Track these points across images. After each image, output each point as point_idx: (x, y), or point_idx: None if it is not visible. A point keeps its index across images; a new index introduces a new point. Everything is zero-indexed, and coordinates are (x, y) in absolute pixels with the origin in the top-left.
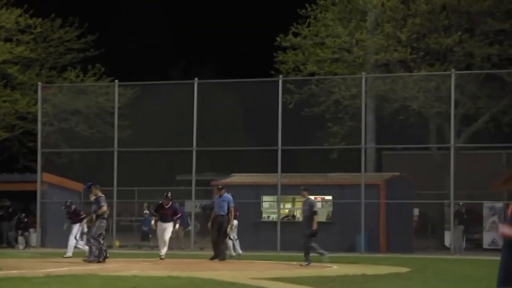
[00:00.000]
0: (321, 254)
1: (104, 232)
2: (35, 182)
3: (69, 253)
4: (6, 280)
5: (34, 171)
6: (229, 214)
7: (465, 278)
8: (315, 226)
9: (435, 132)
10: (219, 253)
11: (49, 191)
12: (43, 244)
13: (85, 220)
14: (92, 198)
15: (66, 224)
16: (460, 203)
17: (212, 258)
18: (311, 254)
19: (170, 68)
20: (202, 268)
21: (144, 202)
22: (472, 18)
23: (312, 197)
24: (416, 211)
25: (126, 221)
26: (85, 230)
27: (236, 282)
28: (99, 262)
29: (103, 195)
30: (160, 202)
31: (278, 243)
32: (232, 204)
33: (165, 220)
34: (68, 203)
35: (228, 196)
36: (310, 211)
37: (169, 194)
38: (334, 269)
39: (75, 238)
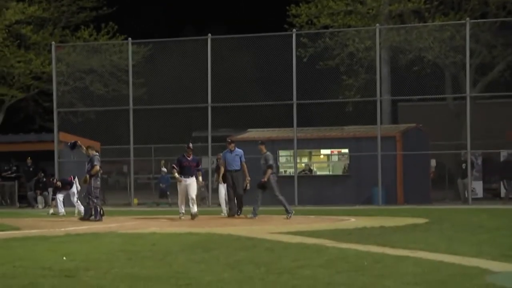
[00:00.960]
0: (254, 210)
1: (98, 191)
2: (52, 141)
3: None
4: (26, 239)
5: (50, 130)
6: (243, 169)
7: (483, 228)
8: (265, 178)
9: (451, 82)
10: (235, 208)
11: (66, 150)
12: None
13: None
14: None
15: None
16: (462, 154)
17: (230, 215)
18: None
19: (183, 25)
20: (220, 224)
21: (161, 159)
22: None
23: (268, 152)
24: (433, 162)
25: (143, 179)
26: (79, 189)
27: (254, 237)
28: (96, 220)
29: (97, 154)
30: (182, 154)
31: (296, 197)
32: (243, 159)
33: (188, 173)
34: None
35: (239, 150)
36: (266, 164)
37: (191, 145)
38: (352, 222)
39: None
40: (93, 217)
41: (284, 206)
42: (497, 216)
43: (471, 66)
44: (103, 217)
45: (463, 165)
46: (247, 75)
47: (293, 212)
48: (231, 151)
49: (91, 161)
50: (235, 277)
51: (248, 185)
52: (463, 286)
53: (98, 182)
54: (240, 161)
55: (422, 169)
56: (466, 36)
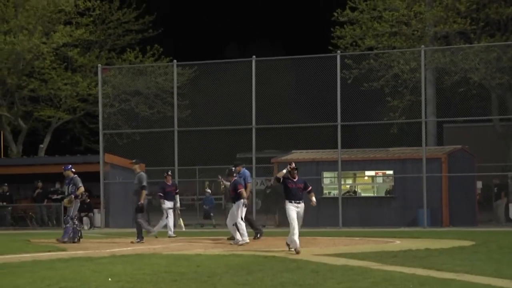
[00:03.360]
0: (148, 231)
1: (77, 213)
2: (98, 163)
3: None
4: (72, 260)
5: (96, 152)
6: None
7: None
8: (141, 200)
9: (497, 104)
10: (257, 230)
11: (111, 172)
12: (107, 225)
13: (64, 201)
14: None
15: None
16: (510, 176)
17: (254, 238)
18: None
19: (227, 43)
20: (264, 245)
21: (205, 180)
22: None
23: (142, 172)
24: (479, 184)
25: (188, 200)
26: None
27: (298, 258)
28: (73, 242)
29: (77, 176)
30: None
31: (340, 219)
32: (249, 180)
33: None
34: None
35: (244, 171)
36: (138, 185)
37: (233, 169)
38: (397, 244)
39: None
40: (70, 238)
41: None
42: None
43: None
44: (80, 240)
45: (495, 188)
46: (291, 96)
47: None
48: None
49: (73, 182)
50: None
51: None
52: None
53: (78, 204)
54: (245, 182)
55: (468, 191)
56: None
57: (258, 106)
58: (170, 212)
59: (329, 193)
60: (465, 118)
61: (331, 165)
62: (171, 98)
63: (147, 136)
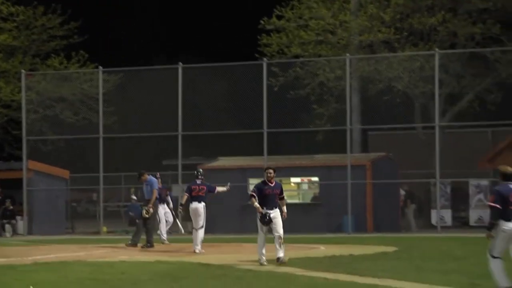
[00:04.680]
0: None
1: None
2: (21, 170)
3: None
4: None
5: (19, 159)
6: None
7: (451, 257)
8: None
9: (420, 112)
10: (149, 242)
11: (35, 178)
12: (30, 232)
13: None
14: None
15: None
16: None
17: (142, 246)
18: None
19: (154, 53)
20: (190, 252)
21: (131, 187)
22: None
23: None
24: (402, 191)
25: (113, 207)
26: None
27: (224, 264)
28: None
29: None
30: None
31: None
32: (155, 187)
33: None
34: None
35: (150, 179)
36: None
37: (201, 170)
38: (322, 250)
39: None
40: None
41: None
42: (465, 245)
43: (440, 96)
44: None
45: (403, 196)
46: (218, 103)
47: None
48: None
49: None
50: None
51: (144, 212)
52: None
53: None
54: (151, 189)
55: (391, 198)
56: (435, 66)
57: (184, 113)
58: (163, 217)
59: None
60: (389, 126)
61: (257, 172)
62: (96, 104)
63: (72, 142)
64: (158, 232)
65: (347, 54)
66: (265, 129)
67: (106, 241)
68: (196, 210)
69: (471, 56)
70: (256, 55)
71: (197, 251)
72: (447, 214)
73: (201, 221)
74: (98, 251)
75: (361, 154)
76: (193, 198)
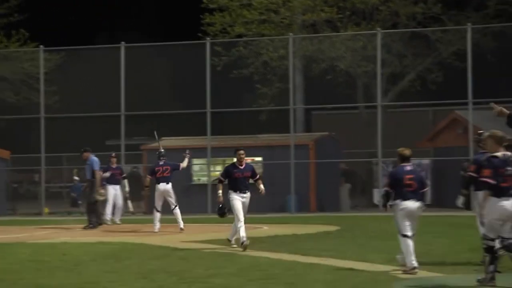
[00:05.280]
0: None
1: None
2: None
3: None
4: None
5: None
6: (94, 179)
7: (393, 235)
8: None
9: (363, 91)
10: (91, 222)
11: None
12: None
13: None
14: None
15: None
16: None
17: (85, 227)
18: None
19: (97, 32)
20: (134, 233)
21: (73, 168)
22: None
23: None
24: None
25: (55, 188)
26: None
27: (166, 245)
28: None
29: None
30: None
31: (209, 205)
32: (96, 168)
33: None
34: None
35: (91, 159)
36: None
37: (162, 150)
38: (265, 230)
39: None
40: None
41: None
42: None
43: (382, 75)
44: None
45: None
46: (161, 83)
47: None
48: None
49: None
50: (146, 286)
51: (97, 196)
52: None
53: None
54: (92, 169)
55: (334, 177)
56: (378, 46)
57: (127, 93)
58: (112, 198)
59: (199, 179)
60: (332, 106)
61: (200, 152)
62: (38, 84)
63: (13, 123)
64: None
65: (290, 34)
66: (208, 109)
67: (48, 222)
68: (165, 191)
69: (413, 36)
70: (199, 35)
71: (181, 226)
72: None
73: (174, 200)
74: (40, 233)
75: (305, 134)
76: (159, 179)
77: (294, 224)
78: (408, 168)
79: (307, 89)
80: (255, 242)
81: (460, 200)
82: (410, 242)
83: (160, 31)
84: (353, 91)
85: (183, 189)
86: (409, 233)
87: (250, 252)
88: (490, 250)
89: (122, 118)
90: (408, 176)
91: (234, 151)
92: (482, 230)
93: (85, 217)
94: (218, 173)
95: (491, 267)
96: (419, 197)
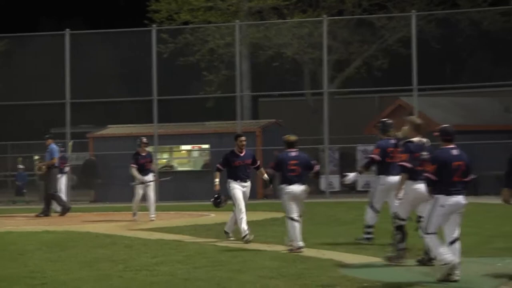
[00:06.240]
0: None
1: None
2: None
3: None
4: None
5: None
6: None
7: (338, 221)
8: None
9: (310, 78)
10: (45, 209)
11: None
12: None
13: None
14: None
15: None
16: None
17: (37, 215)
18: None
19: (40, 18)
20: (79, 221)
21: (18, 156)
22: None
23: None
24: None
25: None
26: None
27: (113, 234)
28: None
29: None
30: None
31: (157, 193)
32: (55, 155)
33: (145, 172)
34: None
35: (51, 146)
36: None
37: (145, 140)
38: (212, 217)
39: None
40: None
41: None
42: (352, 209)
43: (329, 62)
44: None
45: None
46: (107, 71)
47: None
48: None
49: None
50: (92, 275)
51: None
52: (317, 279)
53: None
54: (51, 157)
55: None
56: (324, 33)
57: (73, 80)
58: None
59: None
60: (279, 93)
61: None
62: None
63: None
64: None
65: (237, 21)
66: (155, 97)
67: None
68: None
69: (359, 23)
70: (146, 22)
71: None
72: (336, 180)
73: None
74: None
75: (252, 121)
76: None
77: None
78: (293, 154)
79: (254, 76)
80: (202, 229)
81: (350, 177)
82: (296, 224)
83: (106, 18)
84: (299, 78)
85: (130, 178)
86: (295, 216)
87: (196, 240)
88: (400, 228)
89: (68, 105)
90: (292, 162)
91: (235, 137)
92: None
93: (30, 206)
94: (165, 160)
95: (401, 245)
96: (303, 181)
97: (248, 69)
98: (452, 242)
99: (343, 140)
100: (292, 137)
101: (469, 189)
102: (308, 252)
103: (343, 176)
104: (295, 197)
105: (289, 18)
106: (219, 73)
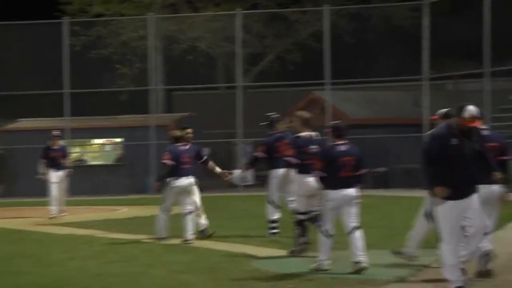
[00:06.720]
0: None
1: None
2: None
3: None
4: None
5: None
6: None
7: (251, 215)
8: None
9: (223, 72)
10: None
11: None
12: None
13: None
14: None
15: None
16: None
17: None
18: None
19: None
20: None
21: None
22: None
23: None
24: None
25: None
26: None
27: (22, 229)
28: None
29: None
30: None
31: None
32: None
33: (57, 166)
34: None
35: None
36: None
37: (58, 133)
38: (124, 212)
39: None
40: None
41: None
42: (264, 203)
43: (243, 56)
44: None
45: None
46: (18, 63)
47: None
48: None
49: None
50: (2, 271)
51: None
52: (230, 272)
53: None
54: None
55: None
56: (237, 27)
57: None
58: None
59: None
60: (193, 86)
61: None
62: None
63: None
64: None
65: (150, 14)
66: (66, 90)
67: None
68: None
69: (273, 17)
70: (57, 13)
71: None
72: (248, 173)
73: None
74: None
75: (165, 115)
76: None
77: (154, 205)
78: (185, 147)
79: (167, 70)
80: (113, 224)
81: (235, 175)
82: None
83: (17, 9)
84: (213, 71)
85: None
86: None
87: (108, 234)
88: (300, 223)
89: None
90: (185, 155)
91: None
92: (292, 206)
93: None
94: (76, 154)
95: (302, 239)
96: (193, 173)
97: (162, 62)
98: (351, 232)
99: (257, 133)
100: (178, 132)
101: (365, 182)
102: (221, 246)
103: (231, 174)
104: (184, 189)
105: (202, 12)
106: (132, 66)
